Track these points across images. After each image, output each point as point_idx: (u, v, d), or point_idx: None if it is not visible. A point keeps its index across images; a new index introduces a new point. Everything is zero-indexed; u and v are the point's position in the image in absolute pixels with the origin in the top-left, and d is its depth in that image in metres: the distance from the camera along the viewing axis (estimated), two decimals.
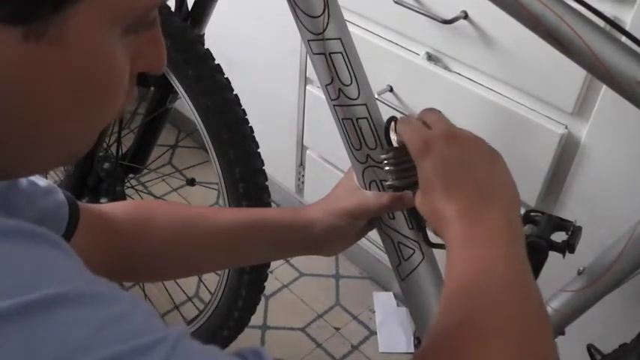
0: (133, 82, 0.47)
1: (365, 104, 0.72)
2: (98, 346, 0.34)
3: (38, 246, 0.37)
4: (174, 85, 1.05)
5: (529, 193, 1.07)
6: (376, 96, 1.18)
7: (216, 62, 1.04)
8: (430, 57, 1.14)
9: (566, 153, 1.01)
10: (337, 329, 1.53)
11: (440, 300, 0.55)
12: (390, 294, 1.60)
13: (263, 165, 1.08)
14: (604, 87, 0.90)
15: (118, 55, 0.42)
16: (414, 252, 0.77)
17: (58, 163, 0.51)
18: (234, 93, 1.05)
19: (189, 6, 1.05)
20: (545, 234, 0.79)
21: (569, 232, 0.78)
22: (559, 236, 0.80)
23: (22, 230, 0.37)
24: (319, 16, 0.68)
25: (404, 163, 0.67)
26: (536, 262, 0.80)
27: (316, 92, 1.41)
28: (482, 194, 0.58)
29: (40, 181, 0.65)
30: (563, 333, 0.82)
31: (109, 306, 0.36)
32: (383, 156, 0.69)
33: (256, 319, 1.31)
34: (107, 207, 0.77)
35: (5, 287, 0.33)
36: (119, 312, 0.36)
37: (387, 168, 0.69)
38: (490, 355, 0.47)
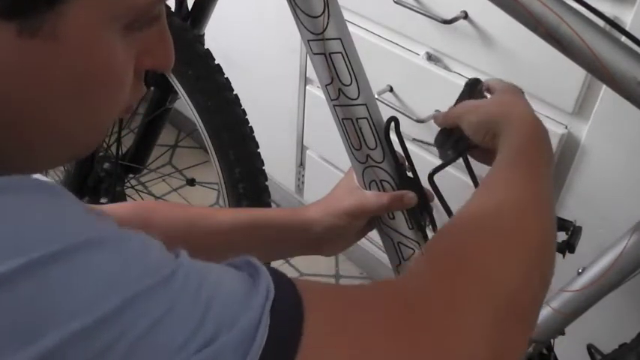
0: (139, 79, 0.46)
1: (365, 104, 0.72)
2: (129, 282, 0.36)
3: (50, 197, 0.38)
4: (174, 85, 1.05)
5: None
6: (376, 96, 1.18)
7: (216, 62, 1.04)
8: (430, 57, 1.14)
9: (566, 153, 1.01)
10: None
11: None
12: None
13: (263, 165, 1.08)
14: (604, 87, 0.90)
15: (119, 52, 0.41)
16: (414, 252, 0.77)
17: (63, 159, 0.50)
18: (234, 93, 1.05)
19: (189, 6, 1.05)
20: None
21: (569, 232, 0.78)
22: (559, 236, 0.80)
23: (29, 185, 0.37)
24: (319, 16, 0.68)
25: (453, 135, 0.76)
26: None
27: (316, 92, 1.40)
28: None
29: None
30: (563, 333, 0.82)
31: (126, 245, 0.38)
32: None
33: None
34: (107, 208, 0.77)
35: (33, 239, 0.35)
36: (136, 250, 0.38)
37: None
38: (490, 258, 0.51)
